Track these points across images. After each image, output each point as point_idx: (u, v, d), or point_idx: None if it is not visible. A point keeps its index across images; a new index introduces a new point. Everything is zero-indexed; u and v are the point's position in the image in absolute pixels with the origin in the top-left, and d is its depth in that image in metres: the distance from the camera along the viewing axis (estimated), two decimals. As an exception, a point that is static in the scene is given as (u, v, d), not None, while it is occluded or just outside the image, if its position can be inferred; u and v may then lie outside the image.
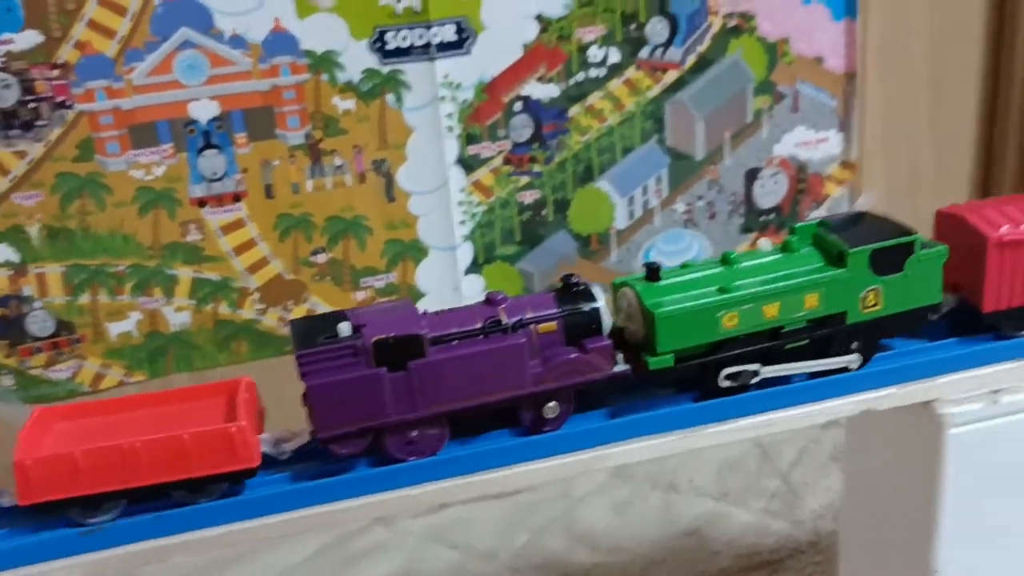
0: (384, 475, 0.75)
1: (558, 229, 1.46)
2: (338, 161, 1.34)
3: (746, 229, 1.55)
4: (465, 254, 1.43)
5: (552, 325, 0.74)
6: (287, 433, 0.77)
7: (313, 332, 0.72)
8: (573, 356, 0.74)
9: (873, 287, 0.79)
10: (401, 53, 1.32)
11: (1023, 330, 0.84)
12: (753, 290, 0.76)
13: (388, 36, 1.31)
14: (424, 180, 1.39)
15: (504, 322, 0.73)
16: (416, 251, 1.42)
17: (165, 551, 0.73)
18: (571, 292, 0.76)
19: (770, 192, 1.54)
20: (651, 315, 0.75)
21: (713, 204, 1.52)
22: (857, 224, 0.82)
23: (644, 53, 1.42)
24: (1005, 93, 1.59)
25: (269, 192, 1.33)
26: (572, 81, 1.40)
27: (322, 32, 1.28)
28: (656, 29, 1.41)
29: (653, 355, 0.75)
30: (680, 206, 1.51)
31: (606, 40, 1.39)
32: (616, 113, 1.43)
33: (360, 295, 1.41)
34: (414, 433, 0.73)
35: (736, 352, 0.77)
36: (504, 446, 0.76)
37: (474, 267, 1.44)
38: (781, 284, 0.77)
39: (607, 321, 0.76)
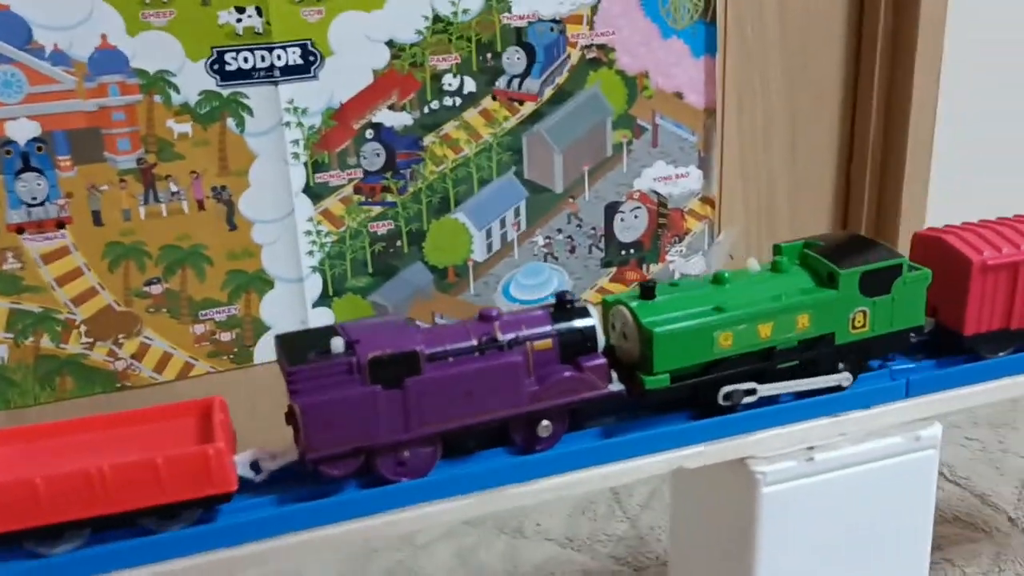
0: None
1: (413, 261, 1.41)
2: (174, 187, 1.27)
3: (607, 264, 1.53)
4: (313, 286, 1.37)
5: (548, 343, 0.73)
6: (264, 455, 0.72)
7: (302, 347, 0.69)
8: (570, 375, 0.73)
9: (862, 308, 0.80)
10: (242, 75, 1.26)
11: (1000, 352, 0.85)
12: (749, 309, 0.76)
13: (228, 57, 1.24)
14: (268, 208, 1.32)
15: (500, 339, 0.71)
16: (260, 282, 1.35)
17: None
18: (565, 309, 0.75)
19: (630, 227, 1.52)
20: (648, 333, 0.74)
21: (573, 238, 1.49)
22: (843, 245, 0.83)
23: (501, 83, 1.38)
24: (861, 130, 1.61)
25: (97, 219, 1.25)
26: (426, 109, 1.35)
27: (155, 51, 1.21)
28: (513, 59, 1.38)
29: (649, 374, 0.74)
30: (539, 239, 1.48)
31: (461, 69, 1.35)
32: (472, 143, 1.39)
33: (199, 328, 1.34)
34: (406, 453, 0.71)
35: (730, 372, 0.77)
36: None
37: (323, 300, 1.38)
38: (775, 304, 0.78)
39: (601, 339, 0.75)
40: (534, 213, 1.46)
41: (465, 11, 1.33)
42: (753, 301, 0.78)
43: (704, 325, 0.75)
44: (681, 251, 1.57)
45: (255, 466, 0.72)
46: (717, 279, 0.80)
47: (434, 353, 0.70)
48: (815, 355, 0.80)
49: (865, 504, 0.79)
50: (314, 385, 0.67)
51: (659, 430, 0.77)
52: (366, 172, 1.35)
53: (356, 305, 1.40)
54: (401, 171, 1.37)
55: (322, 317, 1.39)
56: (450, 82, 1.35)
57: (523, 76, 1.39)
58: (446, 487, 0.72)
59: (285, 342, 0.71)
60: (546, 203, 1.46)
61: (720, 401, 0.77)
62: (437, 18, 1.32)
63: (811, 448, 0.78)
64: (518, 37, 1.37)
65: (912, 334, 0.83)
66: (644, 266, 1.55)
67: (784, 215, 1.63)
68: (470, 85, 1.37)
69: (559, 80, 1.41)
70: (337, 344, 0.68)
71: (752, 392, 0.77)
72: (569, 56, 1.41)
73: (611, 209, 1.50)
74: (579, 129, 1.44)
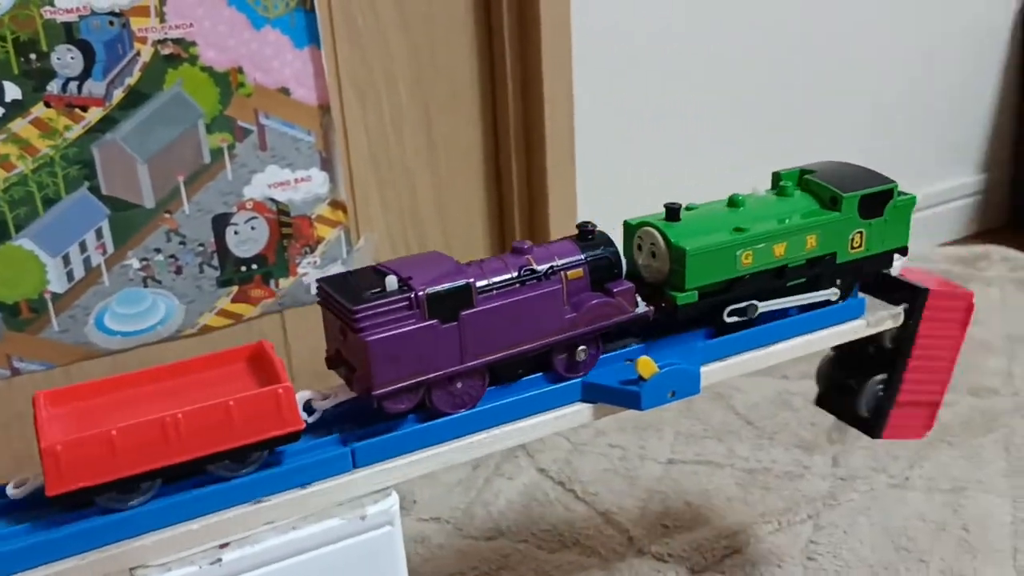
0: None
1: (-29, 299, 1.21)
2: None
3: (224, 282, 1.37)
4: None
5: (580, 271, 0.76)
6: (317, 395, 0.73)
7: (353, 288, 0.70)
8: (603, 300, 0.76)
9: (859, 229, 0.87)
10: None
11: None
12: (767, 229, 0.82)
13: None
14: None
15: (538, 270, 0.74)
16: None
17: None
18: (588, 239, 0.78)
19: (248, 239, 1.37)
20: (681, 252, 0.79)
21: (177, 257, 1.32)
22: (838, 171, 0.89)
23: (54, 87, 1.19)
24: (503, 119, 1.51)
25: None
26: (-42, 122, 1.15)
27: None
28: (66, 59, 1.19)
29: (681, 291, 0.80)
30: (134, 262, 1.30)
31: (-2, 73, 1.15)
32: (28, 159, 1.20)
33: None
34: (459, 384, 0.73)
35: (749, 289, 0.83)
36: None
37: None
38: (789, 224, 0.83)
39: (624, 265, 0.79)
40: (122, 233, 1.28)
41: (-7, 5, 1.13)
42: (768, 222, 0.83)
43: (730, 243, 0.80)
44: (315, 262, 1.43)
45: (307, 407, 0.72)
46: (732, 202, 0.85)
47: (482, 286, 0.72)
48: (818, 273, 0.86)
49: (307, 605, 0.67)
50: (377, 322, 0.68)
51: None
52: None
53: (-100, 356, 1.19)
54: (-65, 196, 1.16)
55: None
56: (-15, 89, 1.15)
57: (82, 78, 1.20)
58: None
59: (333, 284, 0.72)
60: (136, 220, 1.28)
61: (725, 318, 0.82)
62: (-45, 14, 1.11)
63: (224, 546, 0.64)
64: (69, 34, 1.18)
65: (896, 255, 0.90)
66: (271, 281, 1.40)
67: (431, 212, 1.51)
68: (13, 91, 1.17)
69: (130, 81, 1.23)
70: (392, 282, 0.69)
71: (754, 308, 0.83)
72: (139, 53, 1.23)
73: (220, 222, 1.34)
74: (164, 135, 1.27)
